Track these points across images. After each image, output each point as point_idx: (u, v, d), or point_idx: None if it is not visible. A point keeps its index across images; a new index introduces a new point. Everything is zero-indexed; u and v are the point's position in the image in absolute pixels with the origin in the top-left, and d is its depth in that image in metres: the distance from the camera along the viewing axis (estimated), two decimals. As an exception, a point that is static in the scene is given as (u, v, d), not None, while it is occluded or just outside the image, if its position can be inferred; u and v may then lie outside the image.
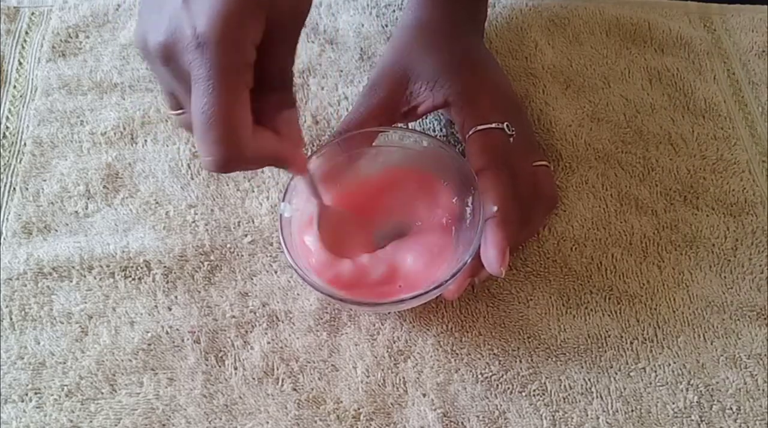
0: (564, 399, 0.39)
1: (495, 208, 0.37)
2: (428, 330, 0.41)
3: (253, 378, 0.39)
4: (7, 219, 0.44)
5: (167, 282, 0.42)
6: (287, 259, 0.37)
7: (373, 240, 0.41)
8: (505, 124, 0.41)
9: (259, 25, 0.28)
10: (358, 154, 0.41)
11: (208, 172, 0.29)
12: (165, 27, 0.28)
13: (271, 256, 0.43)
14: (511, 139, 0.41)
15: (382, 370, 0.40)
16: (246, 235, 0.43)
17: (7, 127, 0.48)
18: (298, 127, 0.34)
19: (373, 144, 0.41)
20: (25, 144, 0.47)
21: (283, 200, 0.39)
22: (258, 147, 0.30)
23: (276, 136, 0.32)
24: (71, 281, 0.42)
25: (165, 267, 0.42)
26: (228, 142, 0.28)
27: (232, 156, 0.28)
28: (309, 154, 0.45)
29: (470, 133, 0.41)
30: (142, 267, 0.42)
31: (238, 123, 0.28)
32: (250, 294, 0.42)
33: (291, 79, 0.33)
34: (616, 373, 0.40)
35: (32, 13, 0.53)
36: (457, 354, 0.40)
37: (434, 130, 0.48)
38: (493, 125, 0.40)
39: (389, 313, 0.41)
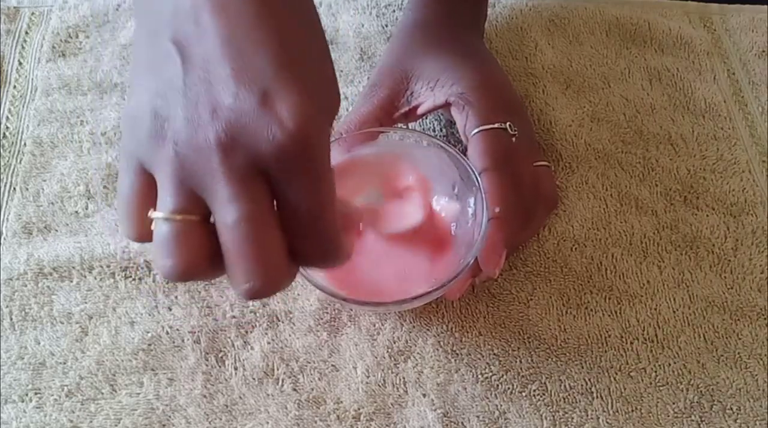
0: (564, 399, 0.39)
1: (497, 210, 0.37)
2: (428, 330, 0.41)
3: (253, 379, 0.39)
4: (7, 219, 0.44)
5: (167, 283, 0.42)
6: None
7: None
8: (508, 124, 0.40)
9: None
10: (359, 154, 0.41)
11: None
12: (227, 115, 0.23)
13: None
14: (514, 139, 0.41)
15: (382, 370, 0.40)
16: (246, 235, 0.43)
17: (7, 127, 0.48)
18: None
19: (374, 144, 0.41)
20: (25, 144, 0.47)
21: None
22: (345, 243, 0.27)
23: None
24: (71, 281, 0.42)
25: (165, 267, 0.42)
26: (338, 241, 0.26)
27: (342, 253, 0.26)
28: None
29: (473, 133, 0.41)
30: (142, 268, 0.42)
31: (336, 209, 0.26)
32: (250, 294, 0.42)
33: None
34: (617, 373, 0.40)
35: (32, 13, 0.53)
36: (457, 354, 0.40)
37: (434, 130, 0.48)
38: (496, 126, 0.40)
39: (390, 313, 0.41)
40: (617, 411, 0.39)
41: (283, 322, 0.41)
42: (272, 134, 0.23)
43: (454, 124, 0.47)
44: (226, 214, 0.24)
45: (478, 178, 0.39)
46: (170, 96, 0.24)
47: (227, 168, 0.23)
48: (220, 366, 0.39)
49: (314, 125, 0.23)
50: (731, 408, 0.39)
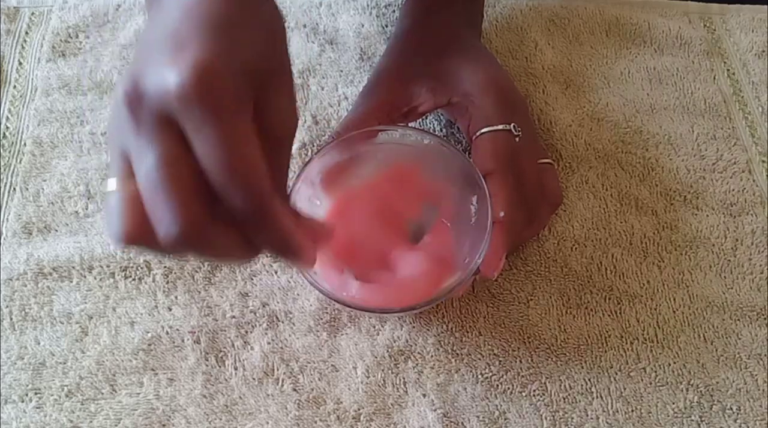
0: (564, 399, 0.39)
1: (502, 214, 0.37)
2: (428, 330, 0.41)
3: (253, 379, 0.39)
4: (7, 219, 0.44)
5: (167, 283, 0.42)
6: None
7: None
8: (512, 124, 0.40)
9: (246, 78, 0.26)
10: (359, 154, 0.41)
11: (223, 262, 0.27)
12: (133, 70, 0.25)
13: (271, 256, 0.43)
14: (517, 139, 0.41)
15: (382, 370, 0.40)
16: (246, 235, 0.43)
17: (7, 127, 0.48)
18: (314, 220, 0.32)
19: (374, 143, 0.41)
20: (25, 144, 0.47)
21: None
22: (281, 212, 0.26)
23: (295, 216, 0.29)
24: (71, 281, 0.42)
25: (165, 267, 0.42)
26: (253, 183, 0.25)
27: (261, 202, 0.25)
28: (309, 155, 0.45)
29: (477, 135, 0.40)
30: (142, 268, 0.42)
31: (258, 163, 0.25)
32: (250, 294, 0.42)
33: (286, 194, 0.32)
34: (617, 373, 0.40)
35: (32, 13, 0.53)
36: (457, 354, 0.40)
37: (434, 130, 0.48)
38: (500, 127, 0.40)
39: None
40: (617, 411, 0.39)
41: (283, 322, 0.41)
42: (170, 80, 0.24)
43: (454, 123, 0.47)
44: (140, 165, 0.24)
45: (482, 179, 0.39)
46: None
47: (135, 119, 0.24)
48: (220, 366, 0.39)
49: (212, 71, 0.24)
50: (731, 408, 0.39)
